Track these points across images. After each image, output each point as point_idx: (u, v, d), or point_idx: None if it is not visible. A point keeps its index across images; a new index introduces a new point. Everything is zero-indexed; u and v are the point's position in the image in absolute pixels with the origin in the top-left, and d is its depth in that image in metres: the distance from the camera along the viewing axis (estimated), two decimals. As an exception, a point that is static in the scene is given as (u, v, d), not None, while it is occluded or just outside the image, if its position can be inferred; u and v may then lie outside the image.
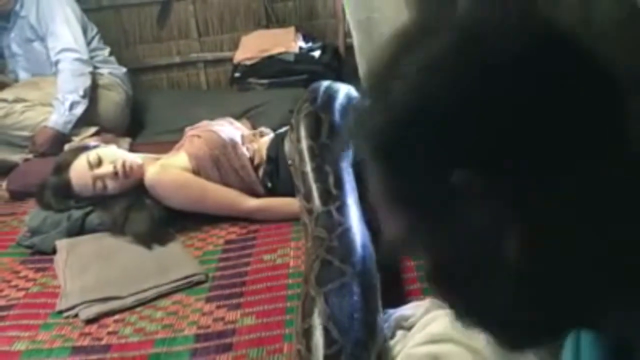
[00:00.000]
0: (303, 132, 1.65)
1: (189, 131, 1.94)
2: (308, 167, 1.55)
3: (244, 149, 1.84)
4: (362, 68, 0.88)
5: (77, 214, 1.79)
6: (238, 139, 1.87)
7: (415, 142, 0.45)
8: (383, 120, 0.47)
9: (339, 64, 2.84)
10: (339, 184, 1.48)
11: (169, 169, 1.77)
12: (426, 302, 1.17)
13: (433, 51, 0.45)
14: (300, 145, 1.62)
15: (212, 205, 1.77)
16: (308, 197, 1.47)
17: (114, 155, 1.79)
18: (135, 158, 1.82)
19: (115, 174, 1.72)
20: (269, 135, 1.94)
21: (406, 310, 1.18)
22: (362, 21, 0.94)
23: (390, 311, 1.21)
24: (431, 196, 0.46)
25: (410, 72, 0.46)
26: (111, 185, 1.74)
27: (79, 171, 1.75)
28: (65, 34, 2.44)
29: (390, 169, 0.48)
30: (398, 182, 0.48)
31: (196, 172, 1.78)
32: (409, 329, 1.10)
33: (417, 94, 0.45)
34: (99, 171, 1.73)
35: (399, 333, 1.11)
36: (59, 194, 1.77)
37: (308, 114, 1.69)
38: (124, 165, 1.73)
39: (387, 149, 0.47)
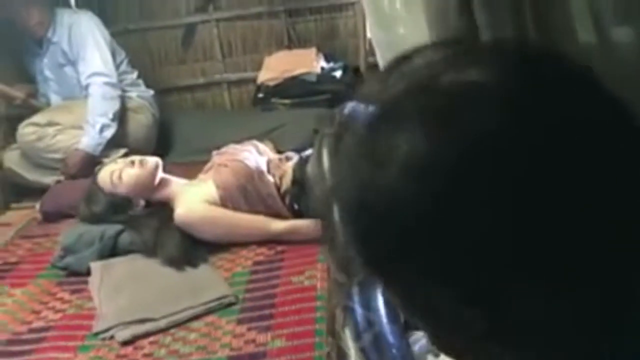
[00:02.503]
0: (325, 155, 1.68)
1: (216, 156, 2.00)
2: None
3: (269, 177, 1.88)
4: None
5: (110, 233, 1.85)
6: (264, 167, 1.92)
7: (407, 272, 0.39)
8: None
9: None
10: None
11: (196, 206, 1.82)
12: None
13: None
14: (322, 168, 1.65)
15: (241, 234, 1.83)
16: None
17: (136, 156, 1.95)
18: (155, 159, 1.94)
19: (132, 162, 1.87)
20: (295, 159, 1.98)
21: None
22: (382, 40, 0.97)
23: (419, 333, 1.22)
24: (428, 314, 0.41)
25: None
26: (125, 175, 1.84)
27: (104, 171, 1.91)
28: (95, 58, 2.51)
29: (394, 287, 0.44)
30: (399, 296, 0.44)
31: (223, 201, 1.83)
32: (438, 354, 1.12)
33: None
34: (118, 165, 1.89)
35: (429, 358, 1.12)
36: (90, 192, 1.92)
37: (329, 135, 1.73)
38: (141, 159, 1.88)
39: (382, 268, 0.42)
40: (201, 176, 2.01)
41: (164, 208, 1.87)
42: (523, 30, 0.68)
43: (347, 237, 0.42)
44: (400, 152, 0.36)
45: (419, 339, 1.22)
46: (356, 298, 1.19)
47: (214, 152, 2.04)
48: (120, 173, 1.84)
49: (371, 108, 0.40)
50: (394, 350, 1.01)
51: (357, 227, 0.40)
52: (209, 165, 2.01)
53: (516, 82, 0.37)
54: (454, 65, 0.39)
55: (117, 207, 1.86)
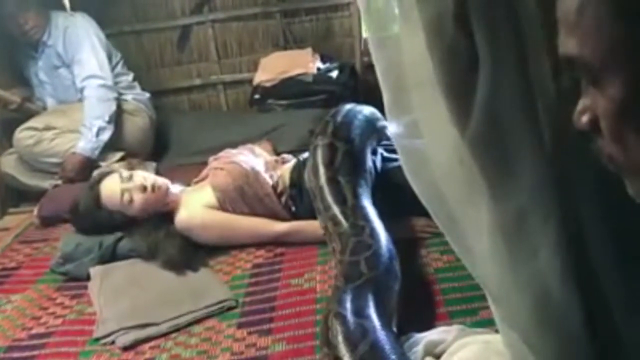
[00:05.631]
0: (321, 168, 1.68)
1: (212, 162, 2.00)
2: (328, 201, 1.58)
3: (266, 177, 1.89)
4: (383, 86, 0.89)
5: (108, 240, 1.84)
6: (260, 168, 1.92)
7: None
8: None
9: (356, 83, 2.89)
10: (363, 215, 1.51)
11: (196, 211, 1.81)
12: (454, 328, 1.20)
13: None
14: (319, 182, 1.64)
15: (242, 237, 1.83)
16: (342, 247, 1.44)
17: (146, 174, 1.87)
18: (165, 181, 1.88)
19: (144, 188, 1.78)
20: (291, 162, 1.99)
21: (434, 335, 1.20)
22: (380, 39, 0.97)
23: (418, 335, 1.23)
24: None
25: None
26: (137, 198, 1.77)
27: (110, 183, 1.81)
28: (90, 61, 2.51)
29: None
30: None
31: (222, 203, 1.83)
32: (438, 356, 1.13)
33: None
34: (129, 184, 1.79)
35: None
36: (89, 205, 1.81)
37: (323, 145, 1.72)
38: (153, 184, 1.80)
39: None
40: (197, 182, 2.00)
41: (163, 215, 1.86)
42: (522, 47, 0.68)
43: None
44: None
45: (417, 343, 1.23)
46: (348, 305, 1.19)
47: (211, 158, 2.04)
48: (132, 196, 1.78)
49: None
50: (393, 357, 1.02)
51: None
52: (205, 171, 2.01)
53: None
54: None
55: (120, 223, 1.82)
